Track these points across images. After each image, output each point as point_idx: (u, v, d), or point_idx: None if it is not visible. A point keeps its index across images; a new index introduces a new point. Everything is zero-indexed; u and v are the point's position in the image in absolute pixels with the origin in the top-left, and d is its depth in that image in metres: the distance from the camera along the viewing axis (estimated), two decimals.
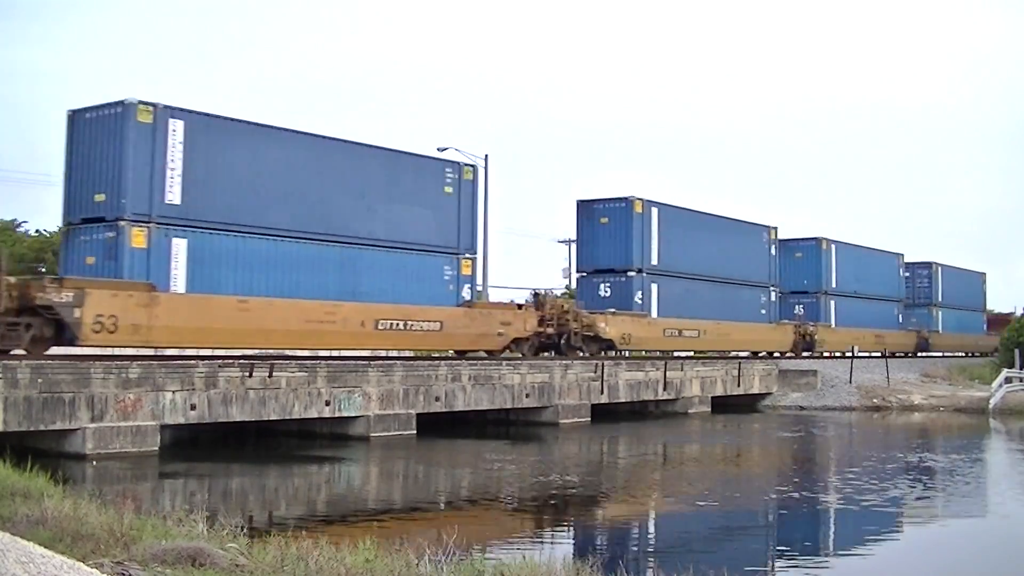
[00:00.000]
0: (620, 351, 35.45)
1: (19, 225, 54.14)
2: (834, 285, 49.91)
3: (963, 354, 62.22)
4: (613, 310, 35.25)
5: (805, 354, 45.91)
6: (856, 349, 45.29)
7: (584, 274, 37.58)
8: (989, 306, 74.02)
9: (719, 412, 36.33)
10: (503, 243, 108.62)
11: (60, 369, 19.17)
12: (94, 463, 18.60)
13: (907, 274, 58.53)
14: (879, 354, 49.39)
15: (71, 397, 19.08)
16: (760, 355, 44.08)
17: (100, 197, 22.50)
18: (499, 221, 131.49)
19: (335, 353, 28.18)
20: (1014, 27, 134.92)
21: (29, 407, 18.44)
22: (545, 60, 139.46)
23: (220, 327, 23.21)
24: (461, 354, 30.40)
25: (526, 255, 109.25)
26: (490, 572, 8.61)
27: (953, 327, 63.03)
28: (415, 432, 25.41)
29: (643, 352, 37.93)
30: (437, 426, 26.70)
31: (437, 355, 30.65)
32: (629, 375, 33.53)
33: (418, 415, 25.78)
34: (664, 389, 34.81)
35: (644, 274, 36.55)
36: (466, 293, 29.62)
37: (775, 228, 45.07)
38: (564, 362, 31.72)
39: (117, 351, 22.97)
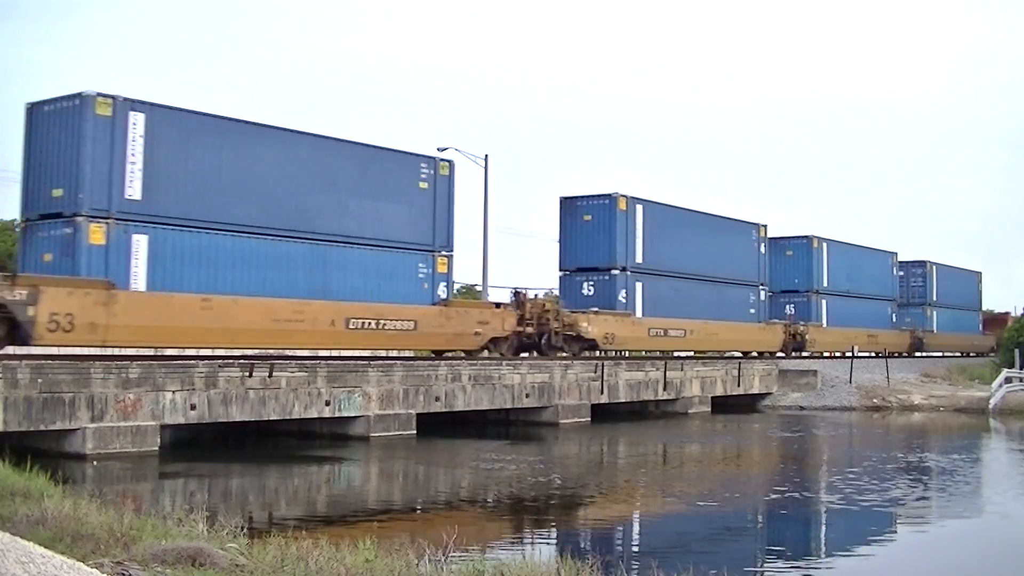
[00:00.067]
0: (603, 351, 34.93)
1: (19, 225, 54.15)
2: (825, 284, 49.42)
3: (958, 354, 61.93)
4: (596, 309, 34.67)
5: (795, 354, 45.40)
6: (856, 349, 45.30)
7: (567, 272, 36.91)
8: (987, 306, 73.86)
9: (719, 412, 36.32)
10: (502, 243, 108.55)
11: (60, 369, 19.17)
12: (94, 463, 18.59)
13: (901, 273, 58.12)
14: (872, 354, 49.28)
15: (71, 397, 19.07)
16: (751, 355, 43.60)
17: (58, 192, 21.92)
18: (498, 220, 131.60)
19: (306, 353, 27.46)
20: (1013, 27, 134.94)
21: (29, 407, 18.43)
22: (538, 59, 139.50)
23: (182, 326, 22.56)
24: (438, 354, 29.96)
25: (524, 254, 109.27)
26: (490, 572, 8.61)
27: (948, 327, 62.66)
28: (415, 432, 25.41)
29: (626, 352, 37.36)
30: (437, 426, 26.70)
31: (416, 354, 30.43)
32: (629, 375, 33.51)
33: (418, 415, 25.78)
34: (664, 389, 34.79)
35: (628, 272, 36.05)
36: (442, 291, 28.93)
37: (764, 226, 44.55)
38: (564, 362, 31.70)
39: (79, 350, 22.71)
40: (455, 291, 47.17)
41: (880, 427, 34.13)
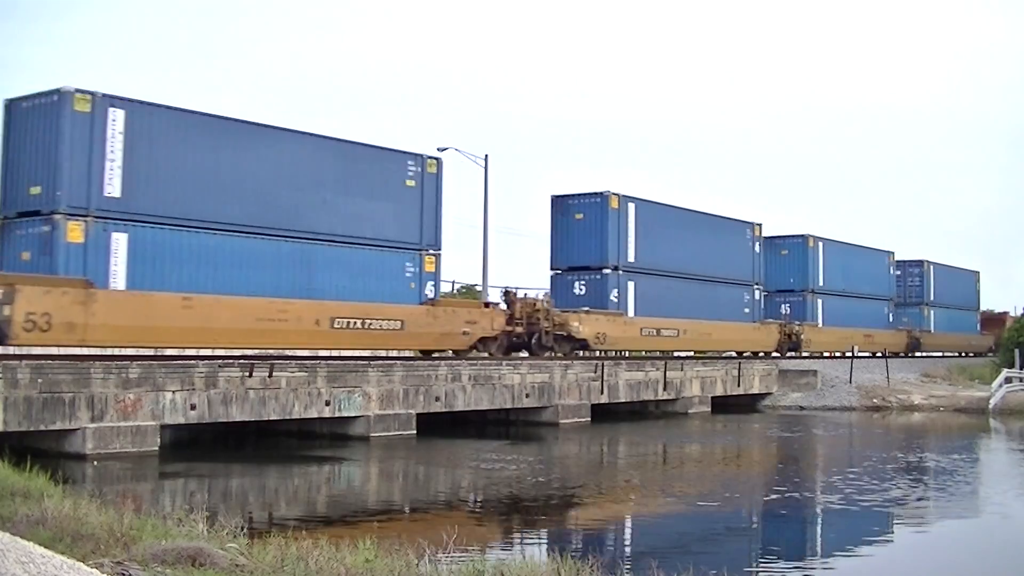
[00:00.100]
0: (594, 351, 34.49)
1: None
2: (821, 283, 48.91)
3: (956, 354, 61.60)
4: (587, 309, 34.26)
5: (791, 354, 45.07)
6: (856, 349, 45.28)
7: (558, 272, 36.37)
8: (985, 305, 73.53)
9: (719, 412, 36.33)
10: (500, 242, 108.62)
11: (60, 369, 19.18)
12: (94, 463, 18.59)
13: (898, 272, 57.69)
14: (869, 354, 49.10)
15: (71, 397, 19.07)
16: (744, 355, 43.23)
17: (36, 190, 21.58)
18: (496, 220, 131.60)
19: (305, 353, 27.11)
20: (1011, 26, 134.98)
21: (29, 407, 18.43)
22: (533, 58, 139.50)
23: (162, 326, 22.20)
24: (427, 354, 29.63)
25: (523, 254, 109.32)
26: (490, 572, 8.61)
27: (945, 326, 62.25)
28: (415, 432, 25.42)
29: (618, 352, 36.87)
30: (437, 426, 26.70)
31: (415, 354, 30.21)
32: (629, 375, 33.52)
33: (418, 415, 25.78)
34: (664, 389, 34.79)
35: (620, 272, 35.58)
36: (429, 291, 28.52)
37: (759, 225, 43.96)
38: (564, 362, 31.70)
39: (82, 350, 22.70)
40: (455, 291, 47.11)
41: (880, 427, 34.14)
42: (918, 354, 56.32)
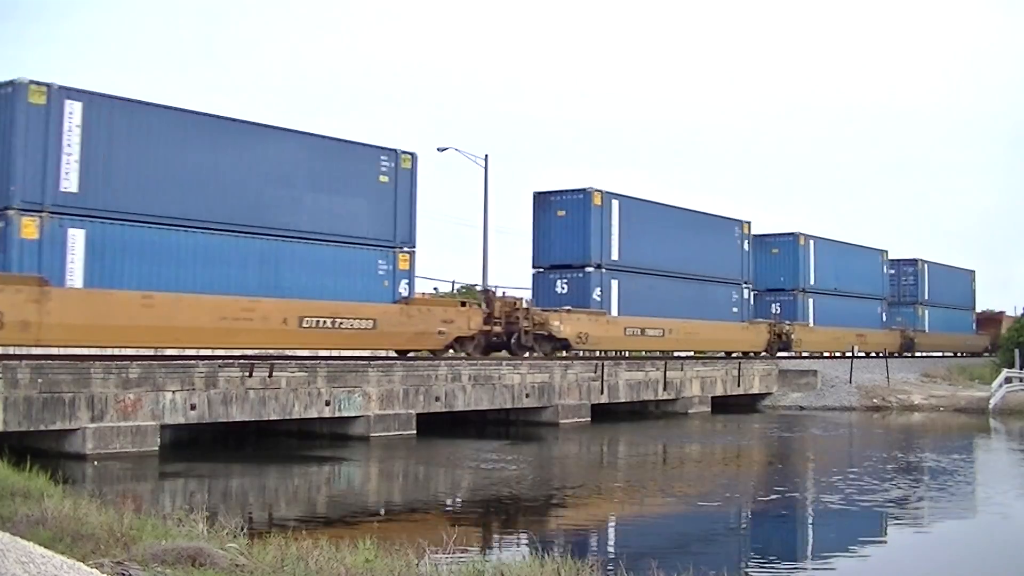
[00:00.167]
0: (576, 351, 33.89)
1: None
2: (813, 282, 48.15)
3: (951, 354, 61.12)
4: (568, 308, 33.49)
5: (781, 354, 44.52)
6: (856, 349, 45.24)
7: (540, 270, 35.62)
8: (985, 306, 73.12)
9: (719, 412, 36.33)
10: (500, 242, 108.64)
11: (60, 369, 19.18)
12: (94, 463, 18.60)
13: (892, 271, 57.05)
14: (862, 354, 48.35)
15: (71, 397, 19.07)
16: (733, 355, 42.57)
17: None
18: (494, 219, 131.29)
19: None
20: (1011, 26, 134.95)
21: (29, 407, 18.44)
22: (530, 60, 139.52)
23: (122, 324, 21.53)
24: (402, 354, 29.11)
25: (518, 253, 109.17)
26: (490, 572, 8.61)
27: (940, 326, 61.64)
28: (415, 432, 25.42)
29: (597, 352, 36.18)
30: (437, 426, 26.70)
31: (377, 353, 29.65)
32: (629, 375, 33.51)
33: (418, 415, 25.78)
34: (664, 389, 34.78)
35: (603, 270, 34.79)
36: (403, 289, 27.75)
37: (748, 222, 43.22)
38: (564, 362, 31.69)
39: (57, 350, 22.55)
40: (455, 291, 47.05)
41: (880, 427, 34.14)
42: (912, 354, 55.75)
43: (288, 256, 25.21)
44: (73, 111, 21.19)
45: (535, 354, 32.39)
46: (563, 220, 34.74)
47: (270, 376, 22.46)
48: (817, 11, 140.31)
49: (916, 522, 16.26)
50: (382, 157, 27.65)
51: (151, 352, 23.69)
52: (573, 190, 35.07)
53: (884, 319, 54.91)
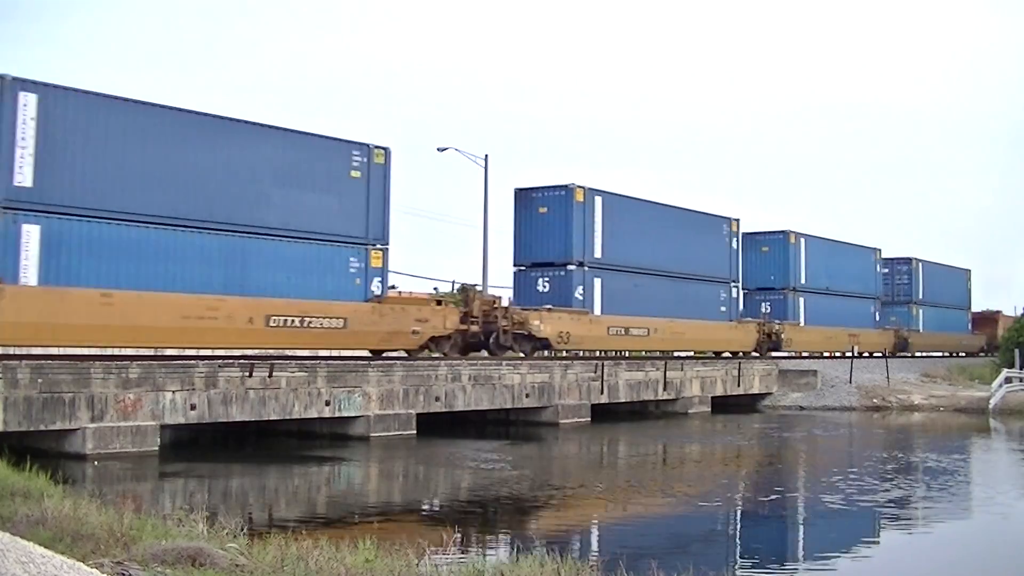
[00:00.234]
0: (557, 351, 33.31)
1: None
2: (803, 281, 47.26)
3: (946, 354, 60.59)
4: (549, 307, 32.71)
5: (771, 354, 43.91)
6: (855, 349, 45.18)
7: (521, 268, 34.75)
8: (982, 306, 72.52)
9: (719, 412, 36.33)
10: (496, 241, 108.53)
11: (60, 369, 19.18)
12: (94, 463, 18.60)
13: (885, 270, 56.22)
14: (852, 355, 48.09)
15: (71, 397, 19.07)
16: (723, 355, 42.16)
17: None
18: (493, 219, 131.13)
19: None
20: (1010, 26, 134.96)
21: (29, 407, 18.44)
22: (527, 60, 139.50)
23: (79, 323, 20.91)
24: (376, 353, 28.49)
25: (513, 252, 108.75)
26: (490, 572, 8.61)
27: (935, 326, 60.90)
28: (415, 432, 25.41)
29: (580, 352, 35.75)
30: (437, 426, 26.70)
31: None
32: (629, 375, 33.51)
33: (418, 415, 25.78)
34: (664, 389, 34.77)
35: (586, 268, 33.96)
36: (376, 287, 27.08)
37: (736, 220, 42.39)
38: (564, 362, 31.68)
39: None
40: (455, 291, 47.01)
41: (880, 427, 34.14)
42: (905, 354, 55.01)
43: (255, 253, 24.60)
44: (28, 103, 20.56)
45: (515, 354, 31.74)
46: (545, 217, 34.00)
47: (270, 376, 22.46)
48: (814, 10, 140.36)
49: (917, 522, 16.25)
50: (354, 152, 26.98)
51: (151, 352, 23.71)
52: (555, 186, 34.22)
53: (877, 319, 54.17)
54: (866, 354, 49.41)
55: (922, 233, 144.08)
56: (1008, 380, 40.27)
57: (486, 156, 41.73)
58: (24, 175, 20.60)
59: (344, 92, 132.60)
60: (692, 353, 41.74)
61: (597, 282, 34.55)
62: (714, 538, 15.16)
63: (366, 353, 28.22)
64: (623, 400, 33.11)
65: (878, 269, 54.84)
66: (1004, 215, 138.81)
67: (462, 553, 11.10)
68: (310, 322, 25.19)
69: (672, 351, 40.14)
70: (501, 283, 36.78)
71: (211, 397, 21.35)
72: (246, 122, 24.92)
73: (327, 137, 26.71)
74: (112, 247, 21.84)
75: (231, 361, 22.39)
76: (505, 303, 33.14)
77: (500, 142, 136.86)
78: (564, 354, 34.46)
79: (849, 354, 44.76)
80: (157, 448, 20.27)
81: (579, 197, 33.89)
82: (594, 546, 13.82)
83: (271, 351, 25.55)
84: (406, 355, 28.67)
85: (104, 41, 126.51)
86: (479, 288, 37.06)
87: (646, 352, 38.54)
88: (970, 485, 20.31)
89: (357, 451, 23.27)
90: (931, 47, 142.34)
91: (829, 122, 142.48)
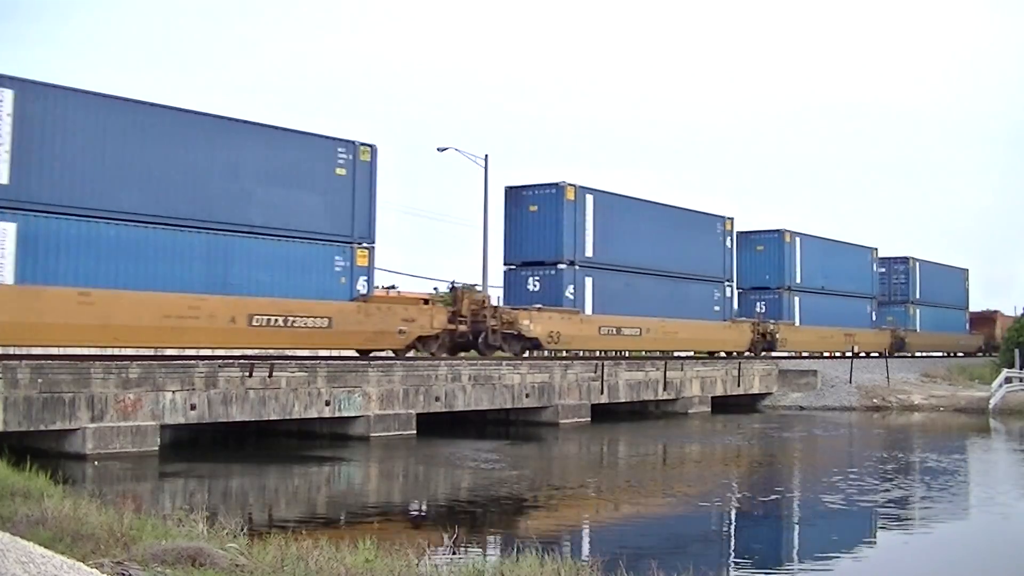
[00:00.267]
0: (548, 351, 32.99)
1: None
2: (799, 280, 46.95)
3: (943, 354, 60.34)
4: (539, 306, 32.37)
5: (765, 354, 43.68)
6: (856, 349, 45.15)
7: (512, 267, 34.45)
8: (981, 307, 72.31)
9: (719, 412, 36.33)
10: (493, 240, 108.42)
11: (60, 369, 19.17)
12: (94, 463, 18.60)
13: (882, 269, 55.88)
14: (850, 354, 47.71)
15: (71, 397, 19.06)
16: (718, 355, 41.88)
17: None
18: (472, 215, 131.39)
19: (206, 351, 25.58)
20: (1007, 26, 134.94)
21: (29, 407, 18.43)
22: (525, 60, 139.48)
23: (56, 323, 20.59)
24: (363, 353, 28.19)
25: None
26: (490, 572, 8.61)
27: (932, 325, 60.59)
28: (415, 432, 25.41)
29: (581, 352, 35.43)
30: (437, 426, 26.70)
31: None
32: (629, 375, 33.50)
33: (418, 415, 25.77)
34: (664, 389, 34.76)
35: (577, 267, 33.68)
36: (361, 286, 26.72)
37: (730, 219, 41.99)
38: (564, 362, 31.66)
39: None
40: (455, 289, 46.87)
41: (880, 427, 34.14)
42: (904, 354, 54.84)
43: (237, 252, 24.24)
44: (4, 99, 20.28)
45: (504, 353, 31.46)
46: (535, 215, 33.62)
47: (270, 376, 22.45)
48: (812, 10, 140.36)
49: (917, 522, 16.24)
50: (339, 149, 26.60)
51: (151, 352, 23.71)
52: (545, 184, 33.84)
53: (874, 318, 53.80)
54: (863, 354, 49.34)
55: (922, 233, 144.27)
56: (1008, 380, 40.28)
57: (486, 156, 41.75)
58: (1, 172, 20.34)
59: (344, 92, 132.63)
60: (692, 353, 41.72)
61: (588, 281, 34.26)
62: (714, 538, 15.15)
63: (324, 353, 27.95)
64: (623, 400, 33.10)
65: (875, 268, 54.53)
66: (1004, 215, 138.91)
67: (462, 553, 11.10)
68: (294, 322, 24.86)
69: (664, 351, 39.87)
70: (502, 283, 36.48)
71: (211, 397, 21.35)
72: (229, 119, 24.58)
73: (312, 134, 26.38)
74: (91, 245, 21.54)
75: (231, 361, 22.38)
76: (496, 302, 32.94)
77: (500, 142, 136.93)
78: (564, 354, 34.43)
79: (849, 354, 44.75)
80: (157, 448, 20.27)
81: (570, 195, 33.47)
82: (594, 546, 13.81)
83: (254, 351, 25.28)
84: (394, 355, 28.40)
85: (105, 41, 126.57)
86: (479, 288, 36.88)
87: (646, 352, 38.44)
88: (970, 485, 20.31)
89: (357, 451, 23.27)
90: (930, 47, 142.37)
91: (829, 122, 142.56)
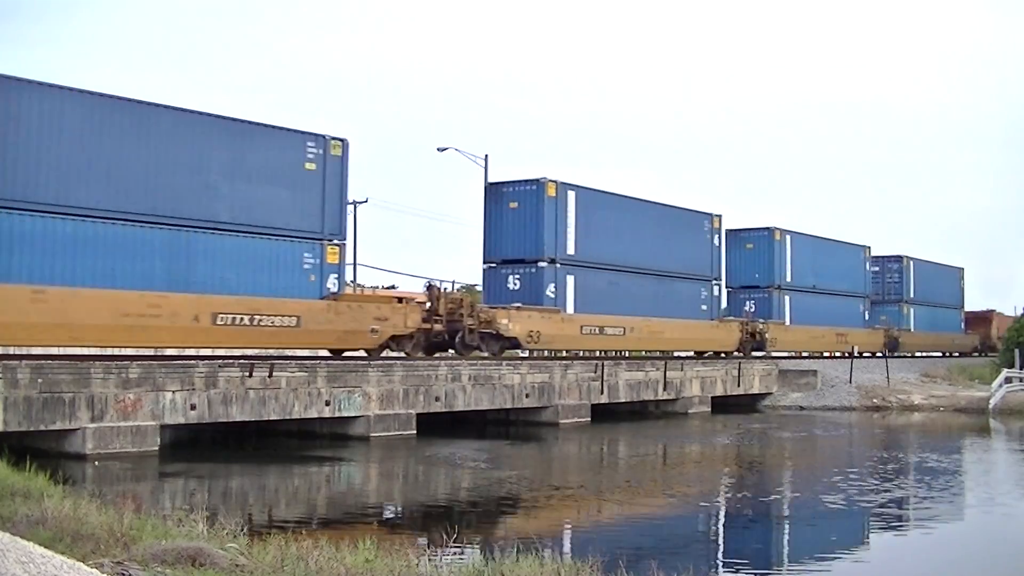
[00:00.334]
0: (529, 351, 32.55)
1: None
2: (789, 279, 45.88)
3: (938, 354, 59.87)
4: (518, 305, 31.59)
5: (755, 354, 43.06)
6: (856, 349, 45.12)
7: (492, 265, 33.58)
8: (978, 306, 71.84)
9: (719, 412, 36.32)
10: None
11: (60, 369, 19.17)
12: (94, 463, 18.59)
13: (875, 268, 54.97)
14: (840, 354, 46.84)
15: (71, 397, 19.05)
16: (706, 355, 41.33)
17: None
18: (465, 214, 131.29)
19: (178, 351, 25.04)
20: (1006, 26, 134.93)
21: (29, 407, 18.42)
22: (524, 60, 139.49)
23: (8, 321, 19.88)
24: (335, 352, 27.72)
25: None
26: (490, 572, 8.61)
27: (927, 325, 59.83)
28: (415, 432, 25.40)
29: (546, 351, 34.93)
30: (437, 426, 26.69)
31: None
32: (629, 375, 33.49)
33: (418, 415, 25.77)
34: (664, 389, 34.74)
35: (558, 265, 32.79)
36: (332, 284, 26.08)
37: (719, 216, 41.14)
38: (564, 362, 31.64)
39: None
40: (454, 290, 46.95)
41: (880, 427, 34.14)
42: (896, 354, 53.87)
43: (201, 248, 23.49)
44: None
45: (481, 353, 30.98)
46: (515, 212, 32.78)
47: (270, 376, 22.45)
48: (810, 10, 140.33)
49: (917, 522, 16.24)
50: (308, 143, 25.84)
51: (151, 352, 23.69)
52: (526, 180, 33.07)
53: (867, 318, 52.92)
54: (865, 354, 49.26)
55: (919, 233, 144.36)
56: (1008, 380, 40.27)
57: (486, 156, 41.79)
58: None
59: (344, 92, 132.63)
60: (692, 353, 41.70)
61: (570, 280, 33.44)
62: (714, 538, 15.15)
63: (325, 353, 27.63)
64: (623, 400, 33.09)
65: (867, 267, 53.57)
66: (1001, 215, 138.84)
67: (462, 553, 11.10)
68: (260, 320, 24.12)
69: (649, 351, 39.38)
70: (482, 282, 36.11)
71: (211, 397, 21.34)
72: (192, 112, 23.97)
73: (280, 128, 25.69)
74: (45, 241, 20.79)
75: (231, 361, 22.38)
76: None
77: (499, 142, 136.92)
78: (564, 354, 34.32)
79: (848, 353, 44.73)
80: (157, 448, 20.26)
81: (551, 192, 32.66)
82: (594, 546, 13.80)
83: (219, 351, 24.70)
84: (366, 354, 27.80)
85: (105, 41, 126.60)
86: (478, 287, 36.77)
87: (629, 352, 38.23)
88: (970, 485, 20.30)
89: (357, 451, 23.27)
90: (927, 46, 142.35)
91: (826, 121, 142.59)
